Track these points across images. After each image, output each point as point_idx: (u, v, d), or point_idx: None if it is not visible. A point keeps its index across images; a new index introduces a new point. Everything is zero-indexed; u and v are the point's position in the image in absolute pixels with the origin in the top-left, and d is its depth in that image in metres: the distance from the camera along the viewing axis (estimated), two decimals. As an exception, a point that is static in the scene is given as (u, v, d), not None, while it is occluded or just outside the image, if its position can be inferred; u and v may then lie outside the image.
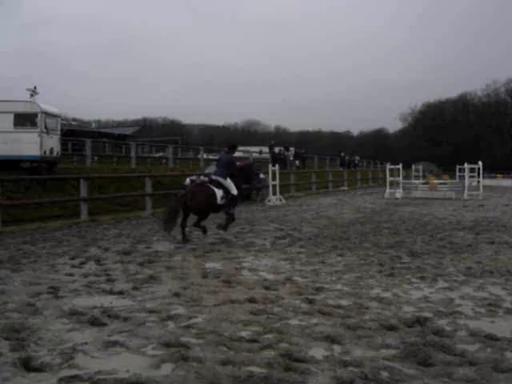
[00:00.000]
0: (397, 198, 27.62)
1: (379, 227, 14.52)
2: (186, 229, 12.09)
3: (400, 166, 30.21)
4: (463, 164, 31.99)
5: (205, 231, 12.32)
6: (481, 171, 30.40)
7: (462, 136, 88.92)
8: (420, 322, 5.64)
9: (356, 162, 58.06)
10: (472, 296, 6.81)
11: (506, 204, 23.44)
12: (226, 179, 12.44)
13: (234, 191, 12.51)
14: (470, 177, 31.93)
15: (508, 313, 6.06)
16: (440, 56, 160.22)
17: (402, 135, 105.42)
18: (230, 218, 12.81)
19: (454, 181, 35.56)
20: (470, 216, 17.69)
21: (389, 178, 30.53)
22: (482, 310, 6.15)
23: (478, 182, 30.59)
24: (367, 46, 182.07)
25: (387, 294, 6.88)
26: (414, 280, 7.78)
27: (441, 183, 32.36)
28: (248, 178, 13.80)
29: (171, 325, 5.60)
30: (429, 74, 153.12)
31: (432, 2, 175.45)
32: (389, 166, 31.47)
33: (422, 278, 7.86)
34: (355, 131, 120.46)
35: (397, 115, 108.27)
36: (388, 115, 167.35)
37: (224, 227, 12.71)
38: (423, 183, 32.41)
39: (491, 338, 5.14)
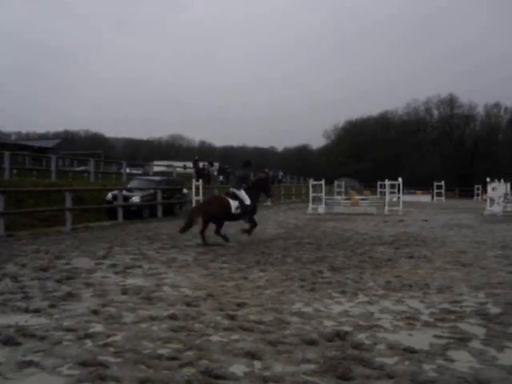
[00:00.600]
0: (319, 214, 28.02)
1: (301, 242, 14.64)
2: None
3: (323, 182, 30.69)
4: (384, 180, 32.77)
5: (226, 239, 14.04)
6: (401, 187, 31.23)
7: (384, 153, 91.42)
8: (340, 336, 5.66)
9: (279, 177, 58.62)
10: (391, 310, 6.91)
11: (425, 219, 24.13)
12: (240, 191, 14.57)
13: (247, 201, 14.50)
14: (391, 193, 32.80)
15: (426, 325, 6.17)
16: (363, 75, 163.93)
17: (325, 151, 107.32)
18: (252, 225, 14.99)
19: (375, 196, 36.42)
20: (391, 231, 18.11)
21: (311, 194, 30.92)
22: (401, 324, 6.23)
23: (398, 197, 31.39)
24: (294, 59, 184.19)
25: (308, 309, 6.88)
26: (334, 294, 7.83)
27: (362, 199, 33.08)
28: (265, 189, 15.80)
29: (89, 343, 5.41)
30: (352, 92, 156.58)
31: (356, 21, 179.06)
32: (312, 182, 31.92)
33: (343, 293, 7.92)
34: (280, 147, 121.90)
35: (321, 132, 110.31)
36: (312, 132, 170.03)
37: (248, 231, 14.94)
38: (345, 199, 33.05)
39: (409, 350, 5.21)
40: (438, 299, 7.54)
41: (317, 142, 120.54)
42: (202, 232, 14.16)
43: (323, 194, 30.50)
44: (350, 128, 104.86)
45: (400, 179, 30.84)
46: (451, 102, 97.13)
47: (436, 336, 5.73)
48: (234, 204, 14.35)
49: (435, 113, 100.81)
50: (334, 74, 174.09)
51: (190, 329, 5.90)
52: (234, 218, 14.68)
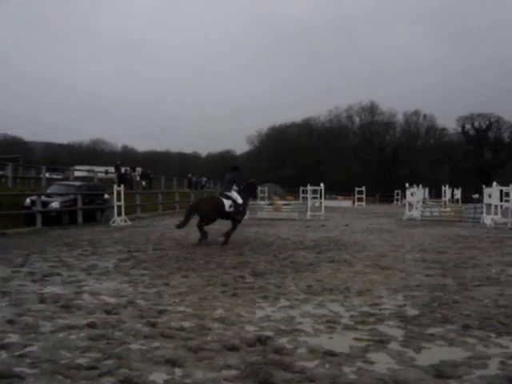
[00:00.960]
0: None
1: (224, 248, 14.60)
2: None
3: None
4: (306, 186, 33.17)
5: (203, 237, 15.51)
6: (323, 193, 31.69)
7: (306, 159, 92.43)
8: (261, 341, 5.67)
9: (203, 183, 58.54)
10: (312, 313, 6.98)
11: (346, 224, 24.59)
12: (231, 192, 16.22)
13: (240, 200, 16.20)
14: (313, 198, 33.20)
15: (346, 328, 6.27)
16: (286, 82, 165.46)
17: (248, 157, 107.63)
18: (235, 226, 16.25)
19: (297, 202, 36.81)
20: (312, 236, 18.33)
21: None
22: (322, 327, 6.31)
23: (320, 203, 31.84)
24: (212, 65, 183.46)
25: (230, 315, 6.86)
26: (256, 299, 7.84)
27: (285, 204, 33.41)
28: (253, 192, 18.60)
29: (4, 354, 5.21)
30: (275, 99, 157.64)
31: (281, 29, 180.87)
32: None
33: (265, 298, 7.95)
34: (203, 152, 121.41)
35: (244, 137, 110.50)
36: (236, 137, 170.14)
37: (227, 234, 15.81)
38: (268, 204, 33.26)
39: (330, 353, 5.28)
40: (358, 302, 7.68)
41: (240, 147, 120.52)
42: (200, 226, 15.67)
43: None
44: (274, 134, 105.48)
45: (322, 185, 31.27)
46: (372, 109, 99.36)
47: (356, 339, 5.83)
48: (227, 203, 15.84)
49: (357, 120, 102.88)
50: (258, 80, 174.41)
51: (109, 337, 5.78)
52: (228, 216, 16.08)
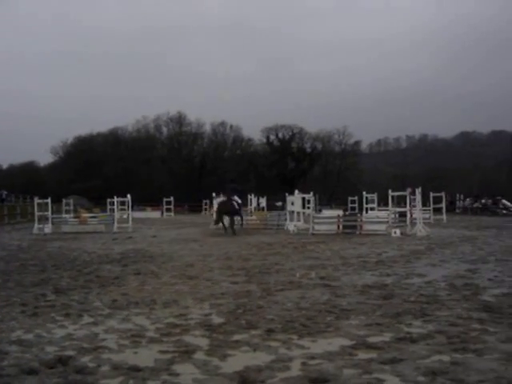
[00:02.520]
0: (45, 234, 26.88)
1: (25, 265, 13.82)
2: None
3: (49, 200, 29.52)
4: (114, 197, 32.60)
5: (233, 231, 24.12)
6: (130, 204, 31.31)
7: (114, 170, 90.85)
8: (62, 361, 5.42)
9: (3, 196, 55.10)
10: (116, 329, 6.82)
11: (154, 235, 24.58)
12: (234, 197, 25.11)
13: (240, 201, 25.85)
14: (121, 210, 32.73)
15: (151, 342, 6.19)
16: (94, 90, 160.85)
17: (53, 168, 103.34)
18: (242, 218, 27.06)
19: (104, 214, 36.02)
20: (119, 248, 18.00)
21: (37, 213, 29.53)
22: (126, 342, 6.17)
23: (128, 214, 31.41)
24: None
25: (29, 336, 6.49)
26: (58, 318, 7.48)
27: (92, 217, 32.51)
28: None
29: None
30: (80, 108, 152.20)
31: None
32: (37, 201, 30.47)
33: (67, 315, 7.61)
34: (4, 163, 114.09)
35: (48, 148, 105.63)
36: (40, 148, 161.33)
37: (233, 227, 24.62)
38: (74, 217, 32.20)
39: (134, 369, 5.17)
40: (164, 314, 7.64)
41: (44, 158, 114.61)
42: (218, 223, 25.69)
43: (50, 212, 29.31)
44: (79, 144, 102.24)
45: (129, 196, 30.83)
46: (180, 119, 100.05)
47: (161, 351, 5.77)
48: (235, 204, 24.94)
49: (165, 130, 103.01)
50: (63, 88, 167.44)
51: None
52: (237, 212, 25.46)
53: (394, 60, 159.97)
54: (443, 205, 37.66)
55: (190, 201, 72.46)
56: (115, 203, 31.70)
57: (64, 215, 33.68)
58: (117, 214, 30.53)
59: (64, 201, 47.73)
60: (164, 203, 56.46)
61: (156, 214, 54.10)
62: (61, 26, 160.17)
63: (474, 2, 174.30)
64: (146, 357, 5.60)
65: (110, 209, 37.75)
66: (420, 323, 6.82)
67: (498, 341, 5.90)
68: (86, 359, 5.53)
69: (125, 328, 6.85)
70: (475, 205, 52.50)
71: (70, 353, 5.75)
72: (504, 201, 49.70)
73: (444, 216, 36.15)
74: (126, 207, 32.50)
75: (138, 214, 47.43)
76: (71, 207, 47.54)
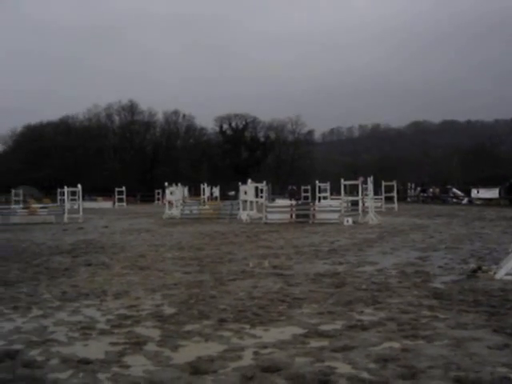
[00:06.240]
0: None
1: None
2: None
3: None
4: (64, 187, 32.09)
5: None
6: (80, 194, 30.86)
7: (64, 159, 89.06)
8: (10, 355, 5.29)
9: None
10: (66, 321, 6.69)
11: (105, 226, 24.26)
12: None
13: None
14: (71, 200, 32.21)
15: (101, 334, 6.10)
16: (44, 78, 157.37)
17: (1, 158, 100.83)
18: None
19: (55, 204, 35.44)
20: (70, 239, 17.73)
21: (-15, 204, 28.88)
22: (76, 335, 6.07)
23: (79, 205, 30.97)
24: None
25: (-25, 331, 6.33)
26: (6, 311, 7.30)
27: (42, 207, 31.92)
28: None
29: None
30: (28, 98, 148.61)
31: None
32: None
33: (15, 308, 7.44)
34: None
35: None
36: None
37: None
38: (23, 208, 31.56)
39: (84, 361, 5.08)
40: (115, 305, 7.55)
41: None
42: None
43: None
44: (29, 133, 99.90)
45: (80, 186, 30.40)
46: (132, 108, 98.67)
47: (112, 343, 5.69)
48: None
49: (116, 119, 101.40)
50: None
51: None
52: None
53: (348, 53, 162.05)
54: (395, 193, 38.26)
55: (143, 190, 71.93)
56: (66, 193, 31.23)
57: (13, 206, 32.98)
58: (67, 205, 30.09)
59: (13, 191, 46.79)
60: (116, 193, 55.78)
61: (108, 205, 53.51)
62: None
63: None
64: (96, 349, 5.51)
65: (61, 199, 37.11)
66: (371, 311, 6.92)
67: (447, 327, 6.03)
68: (34, 353, 5.41)
69: (75, 320, 6.73)
70: (423, 194, 53.60)
71: (18, 346, 5.62)
72: (454, 189, 50.88)
73: (395, 205, 36.76)
74: (77, 197, 32.03)
75: (90, 205, 46.79)
76: (21, 198, 46.65)
